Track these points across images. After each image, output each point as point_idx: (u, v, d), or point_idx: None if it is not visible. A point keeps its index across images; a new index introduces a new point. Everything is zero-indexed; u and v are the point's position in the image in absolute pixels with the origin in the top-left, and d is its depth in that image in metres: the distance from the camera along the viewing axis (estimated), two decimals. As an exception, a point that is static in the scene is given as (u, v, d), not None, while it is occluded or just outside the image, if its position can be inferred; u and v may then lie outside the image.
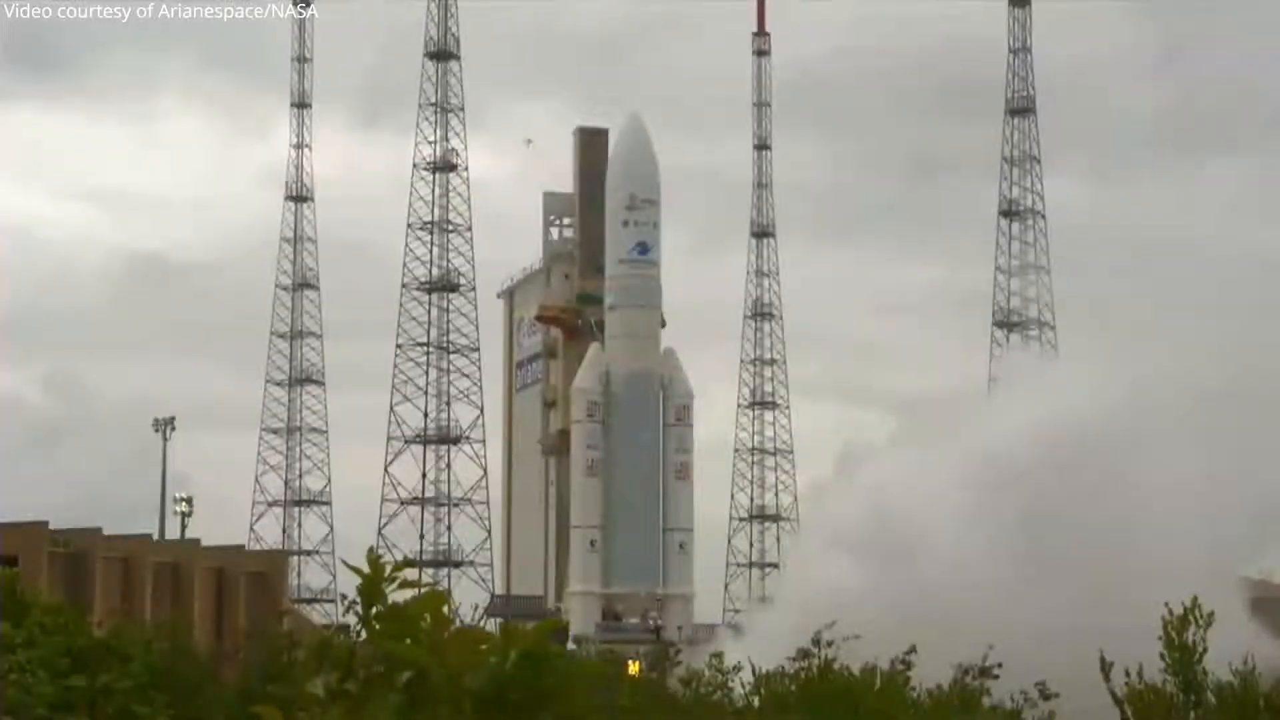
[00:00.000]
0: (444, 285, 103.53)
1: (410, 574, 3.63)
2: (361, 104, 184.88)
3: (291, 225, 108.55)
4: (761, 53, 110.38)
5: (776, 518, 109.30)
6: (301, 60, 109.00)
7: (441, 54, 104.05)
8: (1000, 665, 26.94)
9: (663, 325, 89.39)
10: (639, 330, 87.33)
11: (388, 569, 3.46)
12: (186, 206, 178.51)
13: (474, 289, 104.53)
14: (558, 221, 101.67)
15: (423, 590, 3.57)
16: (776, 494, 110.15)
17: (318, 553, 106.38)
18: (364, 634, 3.56)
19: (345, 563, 3.75)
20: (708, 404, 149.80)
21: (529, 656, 3.53)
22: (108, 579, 59.19)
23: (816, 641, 26.98)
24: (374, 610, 3.43)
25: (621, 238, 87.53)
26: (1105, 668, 14.25)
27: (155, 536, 71.93)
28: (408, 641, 3.43)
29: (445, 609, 3.50)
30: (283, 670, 27.78)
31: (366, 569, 3.45)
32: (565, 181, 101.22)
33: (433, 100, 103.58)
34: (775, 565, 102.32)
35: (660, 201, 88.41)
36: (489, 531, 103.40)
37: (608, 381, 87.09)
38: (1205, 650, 14.60)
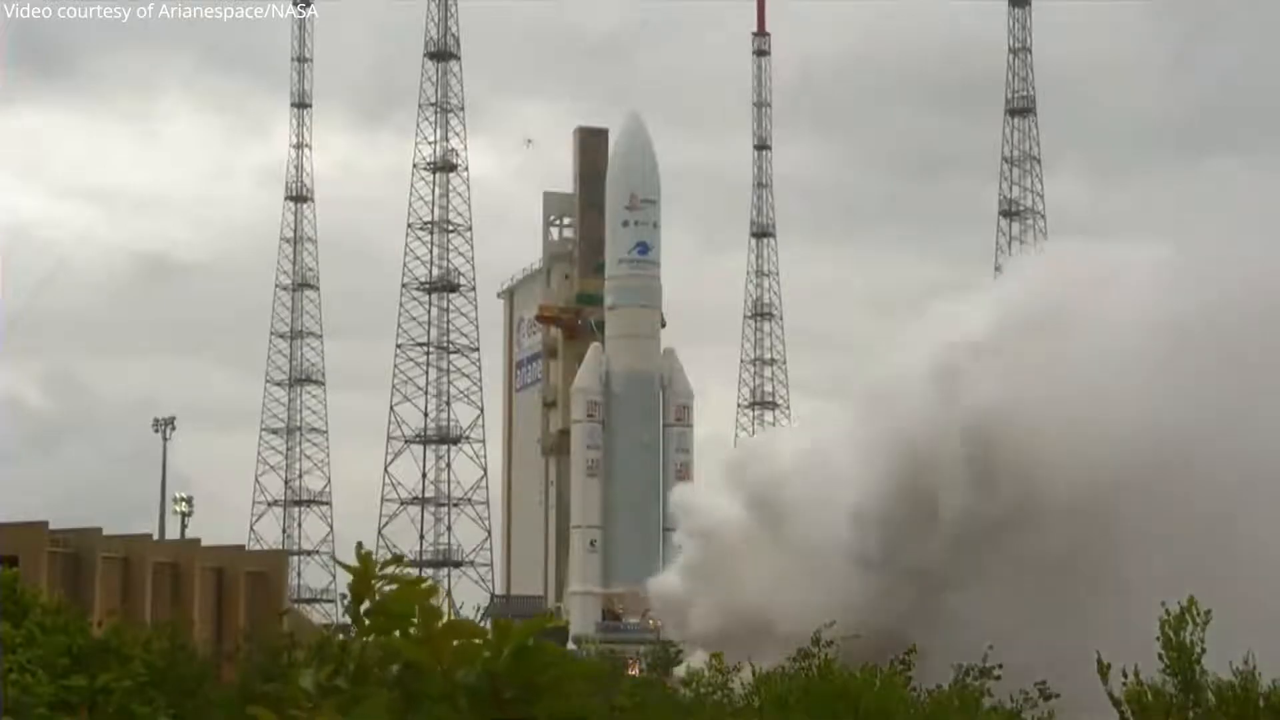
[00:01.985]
0: (444, 285, 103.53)
1: (402, 570, 3.64)
2: (361, 104, 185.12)
3: (291, 225, 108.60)
4: (761, 53, 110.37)
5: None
6: (301, 60, 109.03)
7: (441, 54, 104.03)
8: (1001, 666, 26.95)
9: (663, 325, 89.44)
10: (639, 330, 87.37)
11: (379, 565, 3.47)
12: (187, 206, 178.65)
13: (474, 289, 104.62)
14: (558, 221, 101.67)
15: (409, 583, 3.57)
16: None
17: (318, 553, 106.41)
18: (354, 630, 3.57)
19: (337, 560, 3.76)
20: (708, 404, 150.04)
21: (523, 652, 3.54)
22: (108, 579, 59.16)
23: (817, 641, 26.99)
24: (364, 606, 3.44)
25: (621, 237, 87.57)
26: (1102, 669, 14.26)
27: (155, 536, 71.92)
28: (397, 634, 3.43)
29: (433, 600, 3.49)
30: (282, 670, 27.80)
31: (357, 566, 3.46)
32: (565, 181, 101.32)
33: (433, 100, 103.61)
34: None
35: (660, 201, 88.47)
36: (489, 531, 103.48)
37: (608, 381, 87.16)
38: (1204, 650, 14.59)
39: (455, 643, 3.45)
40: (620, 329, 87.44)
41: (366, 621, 3.49)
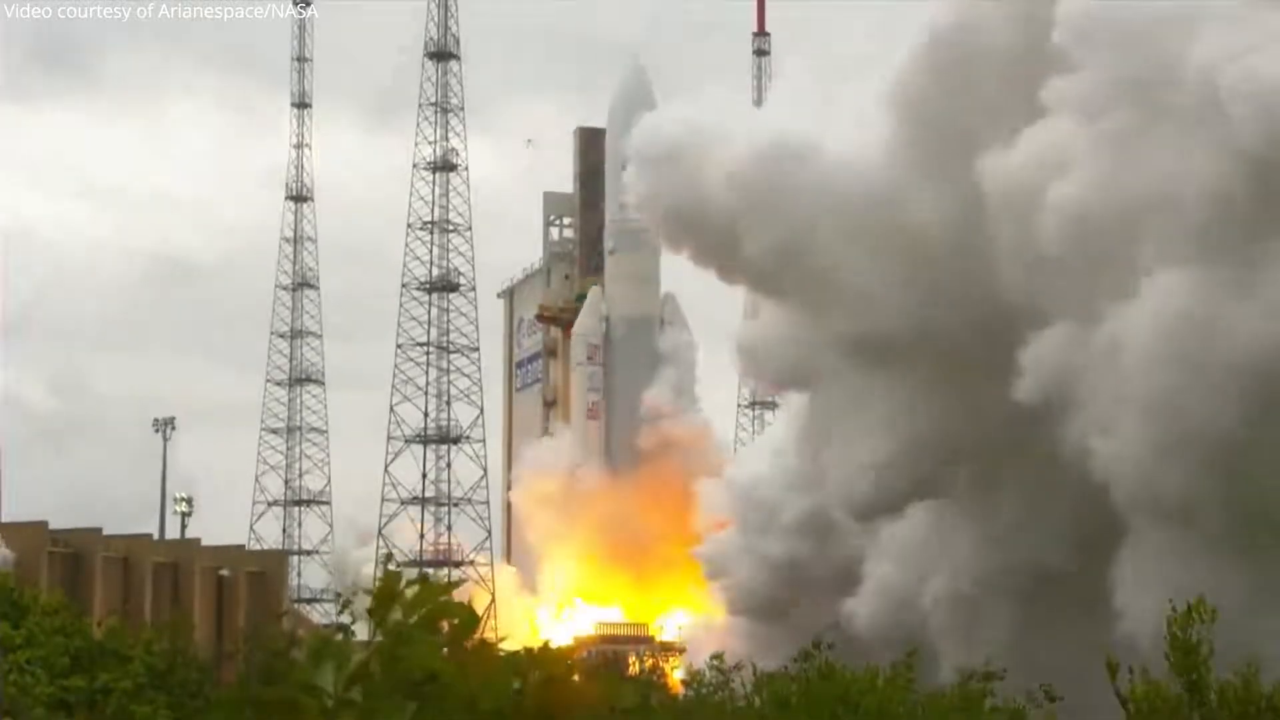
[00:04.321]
0: (444, 285, 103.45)
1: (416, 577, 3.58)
2: (363, 104, 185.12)
3: (292, 225, 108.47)
4: (761, 52, 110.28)
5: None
6: (301, 60, 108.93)
7: (441, 54, 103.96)
8: (1005, 669, 26.93)
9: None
10: (638, 273, 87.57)
11: (402, 578, 3.40)
12: (188, 206, 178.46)
13: (474, 289, 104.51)
14: (558, 221, 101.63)
15: (437, 592, 3.50)
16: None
17: (318, 552, 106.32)
18: (378, 639, 3.48)
19: (368, 588, 3.68)
20: (707, 403, 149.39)
21: (550, 683, 3.47)
22: (108, 579, 59.23)
23: (817, 644, 26.98)
24: (390, 619, 3.36)
25: (622, 182, 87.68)
26: (1111, 668, 14.17)
27: (155, 536, 71.97)
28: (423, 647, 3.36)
29: (470, 614, 3.42)
30: (283, 670, 27.72)
31: (381, 579, 3.39)
32: (565, 181, 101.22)
33: (433, 100, 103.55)
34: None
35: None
36: (489, 531, 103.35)
37: (608, 325, 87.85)
38: (1211, 651, 14.46)
39: (482, 665, 3.38)
40: (619, 272, 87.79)
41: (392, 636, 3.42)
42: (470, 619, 3.43)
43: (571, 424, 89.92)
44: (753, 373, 65.34)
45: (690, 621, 72.22)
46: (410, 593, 3.47)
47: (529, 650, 3.53)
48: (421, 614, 3.39)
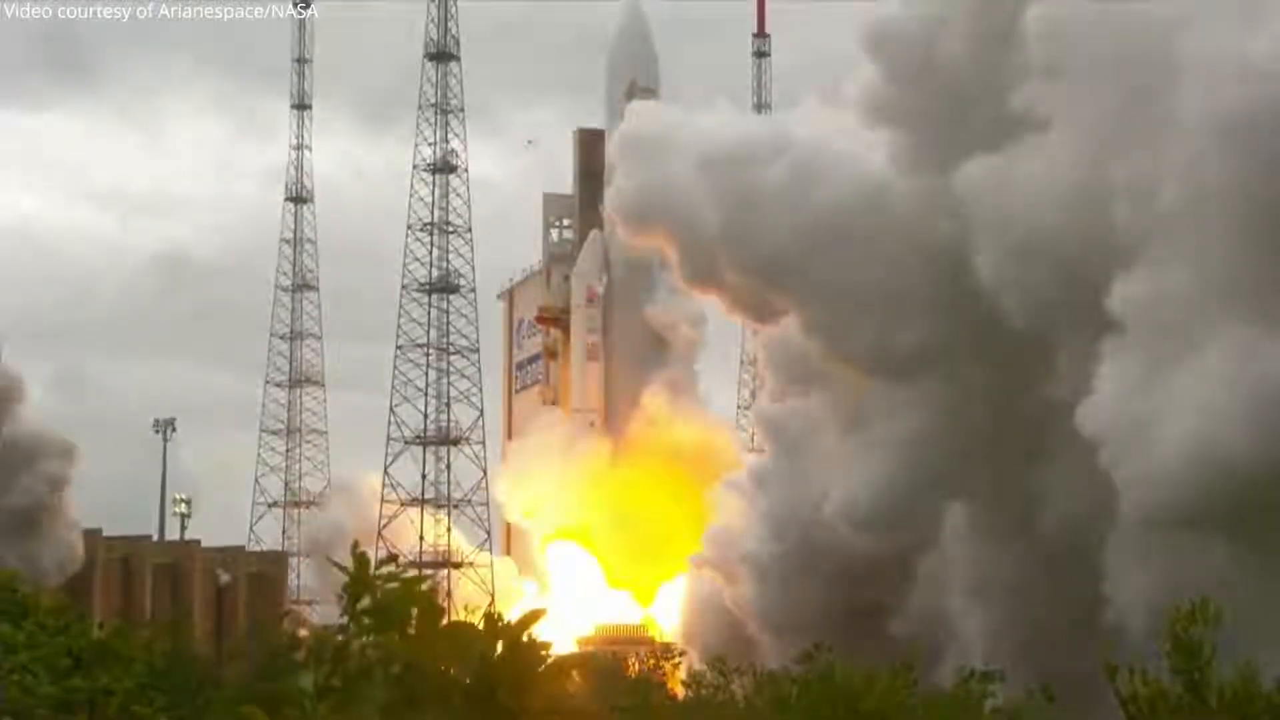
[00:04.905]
0: (444, 287, 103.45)
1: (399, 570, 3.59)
2: (363, 106, 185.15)
3: (291, 226, 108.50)
4: (761, 54, 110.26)
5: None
6: (301, 61, 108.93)
7: (441, 55, 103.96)
8: (1004, 671, 26.92)
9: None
10: None
11: (373, 565, 3.41)
12: (188, 206, 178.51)
13: (474, 290, 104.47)
14: (558, 223, 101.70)
15: (408, 582, 3.51)
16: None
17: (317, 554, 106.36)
18: (352, 629, 3.48)
19: (331, 560, 3.69)
20: (707, 402, 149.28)
21: (516, 646, 3.49)
22: (108, 579, 59.33)
23: (818, 645, 26.99)
24: (360, 606, 3.37)
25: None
26: (1110, 670, 14.14)
27: (155, 537, 72.04)
28: (395, 636, 3.36)
29: (430, 602, 3.43)
30: (283, 670, 27.73)
31: (353, 567, 3.40)
32: (565, 183, 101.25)
33: (433, 101, 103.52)
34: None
35: (660, 91, 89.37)
36: (488, 532, 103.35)
37: (607, 265, 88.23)
38: (1214, 653, 14.35)
39: (451, 640, 3.39)
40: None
41: (365, 621, 3.42)
42: (433, 607, 3.44)
43: (571, 365, 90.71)
44: (772, 373, 65.26)
45: (692, 599, 71.68)
46: (381, 575, 3.47)
47: (490, 618, 3.54)
48: (391, 601, 3.39)
